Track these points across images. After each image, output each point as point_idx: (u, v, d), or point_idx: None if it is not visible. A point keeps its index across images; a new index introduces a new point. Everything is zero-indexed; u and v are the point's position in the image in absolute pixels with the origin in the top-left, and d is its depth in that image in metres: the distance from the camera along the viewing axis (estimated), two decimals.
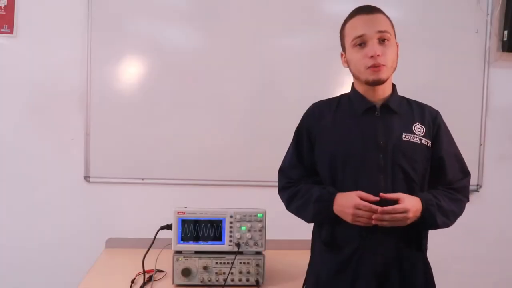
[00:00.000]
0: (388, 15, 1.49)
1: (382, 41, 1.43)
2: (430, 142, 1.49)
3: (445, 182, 1.51)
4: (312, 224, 1.62)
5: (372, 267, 1.46)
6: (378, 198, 1.38)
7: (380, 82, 1.44)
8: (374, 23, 1.43)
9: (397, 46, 1.50)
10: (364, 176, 1.44)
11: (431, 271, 1.55)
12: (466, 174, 1.57)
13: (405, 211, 1.37)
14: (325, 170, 1.52)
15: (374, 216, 1.36)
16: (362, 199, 1.39)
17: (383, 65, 1.42)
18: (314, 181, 1.56)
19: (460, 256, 2.69)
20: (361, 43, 1.44)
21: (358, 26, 1.45)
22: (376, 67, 1.41)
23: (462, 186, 1.54)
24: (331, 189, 1.49)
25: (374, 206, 1.37)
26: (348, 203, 1.40)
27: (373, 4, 1.50)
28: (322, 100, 1.60)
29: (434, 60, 2.59)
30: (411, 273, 1.48)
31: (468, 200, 1.56)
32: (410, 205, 1.38)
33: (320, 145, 1.53)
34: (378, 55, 1.41)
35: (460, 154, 1.57)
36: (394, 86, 1.54)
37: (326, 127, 1.53)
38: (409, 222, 1.40)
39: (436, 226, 1.46)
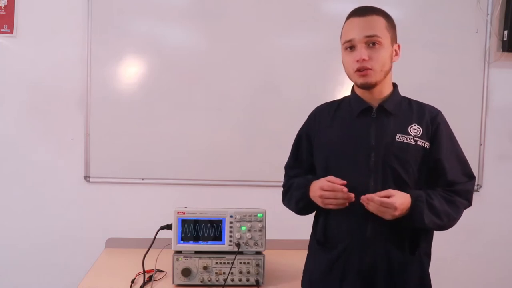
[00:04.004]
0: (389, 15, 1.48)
1: (372, 44, 1.42)
2: (428, 143, 1.46)
3: (444, 184, 1.47)
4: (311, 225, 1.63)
5: (358, 267, 1.45)
6: (345, 182, 1.39)
7: (368, 85, 1.44)
8: (364, 27, 1.42)
9: (398, 46, 1.49)
10: (354, 176, 1.43)
11: (429, 278, 1.50)
12: (470, 177, 1.52)
13: (394, 209, 1.34)
14: (321, 169, 1.54)
15: (362, 196, 1.36)
16: (330, 182, 1.42)
17: (370, 69, 1.41)
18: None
19: (459, 256, 2.69)
20: (351, 46, 1.44)
21: (349, 30, 1.45)
22: (362, 71, 1.42)
23: (465, 190, 1.49)
24: (309, 177, 1.54)
25: (338, 186, 1.38)
26: (316, 187, 1.45)
27: (374, 4, 1.48)
28: (325, 103, 1.62)
29: (434, 60, 2.59)
30: (401, 277, 1.44)
31: (469, 204, 1.50)
32: (399, 203, 1.35)
33: (317, 145, 1.56)
34: (364, 60, 1.40)
35: (464, 156, 1.52)
36: (395, 86, 1.53)
37: (324, 128, 1.55)
38: (397, 215, 1.37)
39: (423, 224, 1.39)
